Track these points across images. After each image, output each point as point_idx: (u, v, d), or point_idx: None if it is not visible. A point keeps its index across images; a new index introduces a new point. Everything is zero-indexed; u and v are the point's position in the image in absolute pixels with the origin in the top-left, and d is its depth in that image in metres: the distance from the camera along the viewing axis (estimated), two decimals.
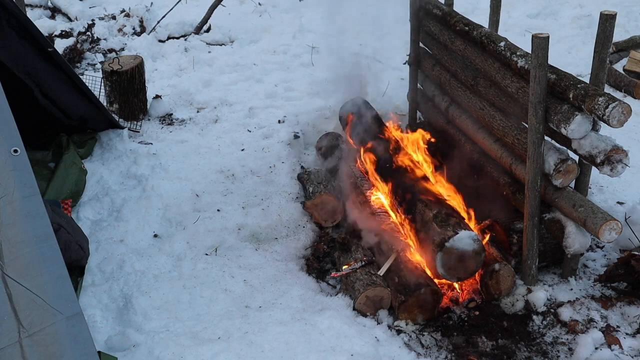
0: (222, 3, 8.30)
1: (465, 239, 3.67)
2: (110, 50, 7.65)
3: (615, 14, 3.41)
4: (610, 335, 3.57)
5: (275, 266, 4.17)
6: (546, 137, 3.70)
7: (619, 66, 6.72)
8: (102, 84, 5.96)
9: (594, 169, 3.74)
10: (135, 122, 5.84)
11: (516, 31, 7.58)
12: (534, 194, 3.75)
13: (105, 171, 5.06)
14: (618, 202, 4.62)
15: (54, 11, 8.82)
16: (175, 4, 8.32)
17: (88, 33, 7.81)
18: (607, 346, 3.50)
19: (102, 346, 3.46)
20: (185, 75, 7.01)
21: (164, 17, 8.16)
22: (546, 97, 3.55)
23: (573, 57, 7.13)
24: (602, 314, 3.73)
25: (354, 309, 3.76)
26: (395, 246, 4.02)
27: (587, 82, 3.55)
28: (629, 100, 6.08)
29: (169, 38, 7.96)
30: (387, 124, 5.15)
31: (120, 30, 8.17)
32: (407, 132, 5.15)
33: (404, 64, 5.56)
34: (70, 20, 8.51)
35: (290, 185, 4.98)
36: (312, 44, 7.51)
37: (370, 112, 5.19)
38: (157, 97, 6.20)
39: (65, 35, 7.75)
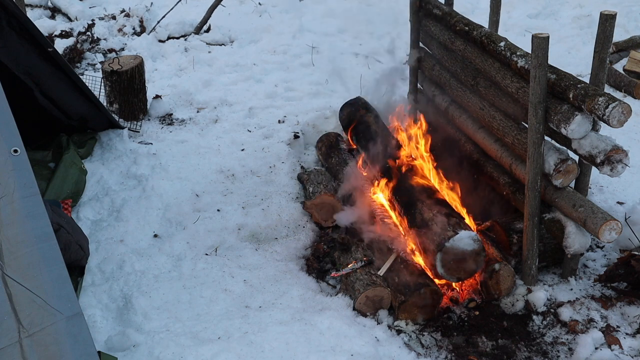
0: (222, 3, 8.29)
1: (465, 239, 3.67)
2: (110, 50, 7.64)
3: (615, 14, 3.41)
4: (610, 335, 3.57)
5: (275, 266, 4.17)
6: (546, 137, 3.70)
7: (619, 66, 6.72)
8: (102, 84, 5.96)
9: (594, 169, 3.74)
10: (135, 122, 5.84)
11: (516, 31, 7.57)
12: (534, 194, 3.75)
13: (105, 171, 5.06)
14: (618, 202, 4.62)
15: (54, 11, 8.81)
16: (175, 4, 8.32)
17: (88, 33, 7.81)
18: (607, 346, 3.51)
19: (102, 346, 3.46)
20: (185, 75, 7.01)
21: (164, 17, 8.16)
22: (546, 97, 3.55)
23: (573, 57, 7.12)
24: (602, 314, 3.73)
25: (354, 309, 3.76)
26: (395, 246, 4.02)
27: (587, 82, 3.55)
28: (629, 100, 6.07)
29: (169, 38, 7.95)
30: (388, 125, 5.15)
31: (120, 30, 8.16)
32: (407, 133, 5.15)
33: (404, 64, 5.56)
34: (70, 20, 8.51)
35: (290, 185, 4.98)
36: (312, 44, 7.51)
37: (370, 113, 5.19)
38: (157, 97, 6.20)
39: (65, 35, 7.74)
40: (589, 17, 7.93)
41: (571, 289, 3.93)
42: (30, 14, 8.49)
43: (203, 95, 6.47)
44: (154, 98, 6.18)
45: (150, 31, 8.02)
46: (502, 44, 3.98)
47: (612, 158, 3.43)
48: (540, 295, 3.83)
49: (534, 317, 3.77)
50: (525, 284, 3.93)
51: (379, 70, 6.68)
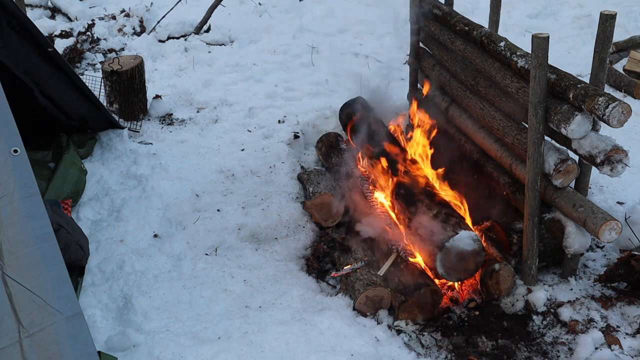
0: (222, 3, 8.29)
1: (465, 239, 3.67)
2: (110, 50, 7.64)
3: (615, 14, 3.41)
4: (610, 335, 3.57)
5: (275, 266, 4.17)
6: (546, 137, 3.70)
7: (619, 66, 6.72)
8: (102, 84, 5.96)
9: (594, 169, 3.74)
10: (135, 122, 5.84)
11: (516, 31, 7.58)
12: (534, 194, 3.75)
13: (105, 171, 5.06)
14: (618, 202, 4.62)
15: (54, 11, 8.81)
16: (175, 4, 8.32)
17: (88, 33, 7.80)
18: (607, 346, 3.51)
19: (102, 346, 3.46)
20: (185, 75, 7.01)
21: (164, 17, 8.16)
22: (546, 97, 3.55)
23: (573, 57, 7.12)
24: (602, 314, 3.73)
25: (354, 309, 3.76)
26: (395, 246, 4.02)
27: (587, 82, 3.55)
28: (629, 100, 6.07)
29: (169, 38, 7.95)
30: (388, 125, 5.15)
31: (120, 30, 8.16)
32: (407, 133, 5.15)
33: (404, 64, 5.56)
34: (70, 20, 8.51)
35: (290, 185, 4.98)
36: (312, 44, 7.51)
37: (370, 113, 5.18)
38: (157, 97, 6.20)
39: (65, 35, 7.74)
40: (589, 17, 7.93)
41: (571, 289, 3.93)
42: (30, 14, 8.49)
43: (203, 95, 6.47)
44: (154, 98, 6.18)
45: (150, 31, 8.02)
46: (502, 44, 3.98)
47: (612, 158, 3.43)
48: (540, 295, 3.83)
49: (534, 317, 3.77)
50: (525, 284, 3.93)
51: (378, 70, 6.70)
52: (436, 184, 4.41)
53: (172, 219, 4.59)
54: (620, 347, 3.50)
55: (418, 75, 5.43)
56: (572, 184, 3.87)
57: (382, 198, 4.53)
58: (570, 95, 3.46)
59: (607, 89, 5.62)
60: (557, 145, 3.81)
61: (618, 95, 6.22)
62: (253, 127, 5.88)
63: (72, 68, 5.46)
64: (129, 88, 5.87)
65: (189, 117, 6.08)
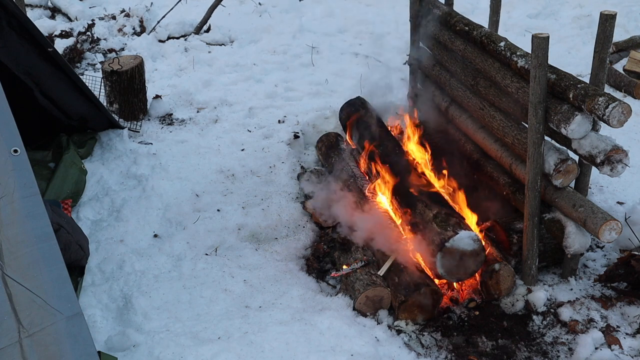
0: (222, 3, 8.29)
1: (465, 239, 3.67)
2: (110, 50, 7.64)
3: (615, 14, 3.41)
4: (610, 335, 3.57)
5: (275, 266, 4.18)
6: (546, 137, 3.70)
7: (619, 66, 6.72)
8: (102, 84, 5.96)
9: (594, 169, 3.74)
10: (135, 122, 5.84)
11: (516, 31, 7.58)
12: (534, 194, 3.75)
13: (105, 171, 5.07)
14: (618, 202, 4.62)
15: (54, 11, 8.81)
16: (175, 4, 8.32)
17: (88, 33, 7.81)
18: (607, 346, 3.51)
19: (102, 346, 3.46)
20: (185, 75, 7.01)
21: (164, 17, 8.16)
22: (546, 97, 3.55)
23: (573, 57, 7.13)
24: (602, 314, 3.73)
25: (354, 309, 3.76)
26: (395, 246, 4.02)
27: (587, 82, 3.55)
28: (629, 100, 6.07)
29: (169, 38, 7.96)
30: (388, 125, 5.15)
31: (120, 30, 8.16)
32: (407, 133, 5.15)
33: (404, 64, 5.56)
34: (70, 20, 8.51)
35: (290, 185, 4.99)
36: (312, 44, 7.51)
37: (370, 113, 5.19)
38: (157, 97, 6.20)
39: (65, 35, 7.74)
40: (589, 17, 7.93)
41: (571, 289, 3.93)
42: (30, 14, 8.49)
43: (203, 95, 6.47)
44: (154, 98, 6.18)
45: (150, 31, 8.02)
46: (502, 44, 3.98)
47: (612, 158, 3.43)
48: (540, 295, 3.83)
49: (534, 317, 3.77)
50: (525, 284, 3.93)
51: (378, 70, 6.70)
52: (436, 184, 4.41)
53: (172, 219, 4.59)
54: (620, 347, 3.50)
55: (418, 75, 5.42)
56: (572, 184, 3.87)
57: (382, 198, 4.53)
58: (570, 95, 3.46)
59: (607, 89, 5.62)
60: (557, 145, 3.81)
61: (618, 95, 6.22)
62: (253, 127, 5.88)
63: (72, 68, 5.46)
64: (129, 88, 5.87)
65: (189, 117, 6.08)
